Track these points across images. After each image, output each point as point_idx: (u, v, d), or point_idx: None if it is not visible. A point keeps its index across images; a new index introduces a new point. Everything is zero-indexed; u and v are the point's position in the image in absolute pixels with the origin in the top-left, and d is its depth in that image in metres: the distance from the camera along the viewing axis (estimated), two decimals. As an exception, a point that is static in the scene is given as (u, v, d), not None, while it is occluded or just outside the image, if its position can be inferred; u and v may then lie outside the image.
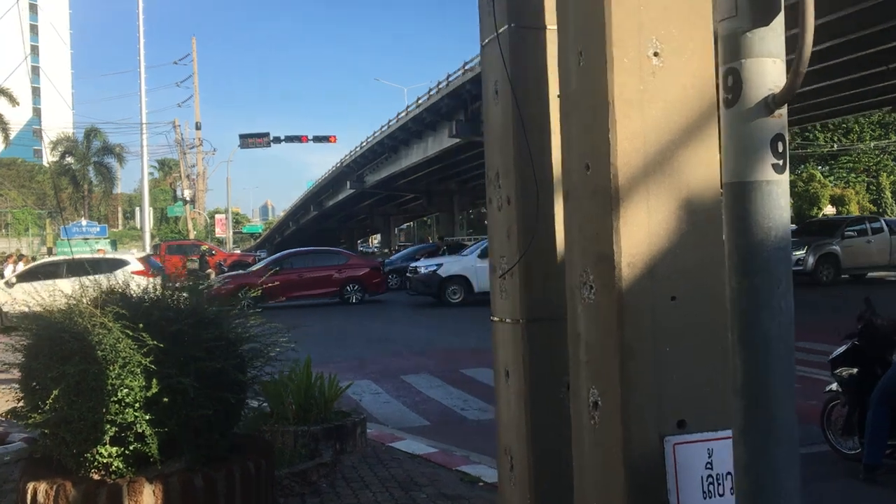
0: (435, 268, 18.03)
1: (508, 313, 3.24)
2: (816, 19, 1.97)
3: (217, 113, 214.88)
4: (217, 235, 63.76)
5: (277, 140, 36.48)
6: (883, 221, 22.45)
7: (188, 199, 44.94)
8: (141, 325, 3.63)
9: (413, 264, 18.71)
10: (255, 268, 18.99)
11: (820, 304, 15.01)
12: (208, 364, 3.71)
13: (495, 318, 3.37)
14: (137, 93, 41.98)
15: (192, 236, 48.27)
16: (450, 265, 18.12)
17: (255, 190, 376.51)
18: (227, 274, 19.27)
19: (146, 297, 4.14)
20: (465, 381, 9.12)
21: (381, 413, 7.66)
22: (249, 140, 36.30)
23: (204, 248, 29.69)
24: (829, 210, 57.18)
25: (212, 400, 3.69)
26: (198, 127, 59.36)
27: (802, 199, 59.36)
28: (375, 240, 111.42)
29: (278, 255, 19.69)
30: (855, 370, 5.14)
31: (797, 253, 19.49)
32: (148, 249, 33.26)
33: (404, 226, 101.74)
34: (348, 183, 57.31)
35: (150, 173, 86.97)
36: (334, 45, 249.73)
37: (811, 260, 19.86)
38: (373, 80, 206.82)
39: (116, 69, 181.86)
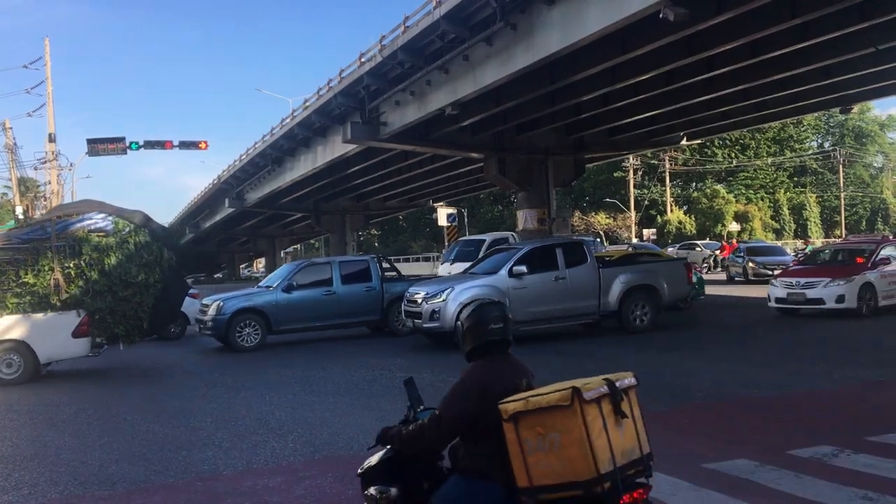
0: None
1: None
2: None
3: (81, 126, 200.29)
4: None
5: (135, 146, 30.58)
6: (586, 247, 15.49)
7: (21, 216, 37.88)
8: None
9: None
10: None
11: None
12: None
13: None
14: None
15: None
16: None
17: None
18: None
19: None
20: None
21: None
22: (100, 146, 30.19)
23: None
24: (734, 227, 55.93)
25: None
26: (51, 139, 51.88)
27: (707, 216, 57.93)
28: (260, 264, 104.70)
29: None
30: (394, 490, 3.46)
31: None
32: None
33: (290, 249, 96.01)
34: (227, 201, 51.47)
35: (3, 193, 77.44)
36: (214, 53, 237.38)
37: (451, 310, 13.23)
38: (254, 90, 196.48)
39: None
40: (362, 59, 24.59)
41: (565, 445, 2.98)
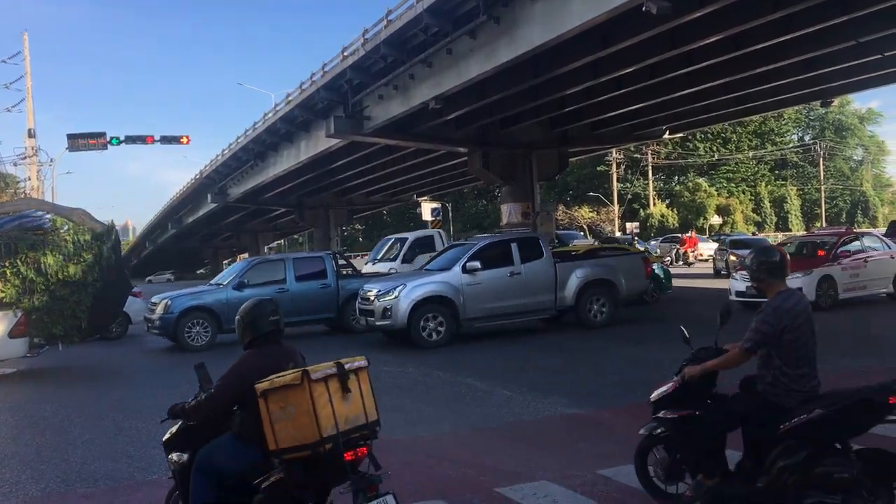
0: None
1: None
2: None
3: (62, 121, 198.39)
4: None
5: (116, 141, 30.31)
6: (542, 242, 15.38)
7: (0, 213, 37.44)
8: None
9: None
10: None
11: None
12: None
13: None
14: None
15: None
16: None
17: (113, 209, 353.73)
18: None
19: None
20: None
21: None
22: (80, 141, 29.95)
23: None
24: (716, 220, 56.27)
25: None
26: (31, 134, 51.47)
27: (689, 210, 58.27)
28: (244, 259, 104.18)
29: None
30: (186, 455, 4.16)
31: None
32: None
33: (274, 244, 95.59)
34: (209, 196, 51.15)
35: (-19, 189, 76.44)
36: (194, 47, 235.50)
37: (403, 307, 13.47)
38: (236, 85, 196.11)
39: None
40: (345, 53, 24.43)
41: (298, 415, 3.64)
